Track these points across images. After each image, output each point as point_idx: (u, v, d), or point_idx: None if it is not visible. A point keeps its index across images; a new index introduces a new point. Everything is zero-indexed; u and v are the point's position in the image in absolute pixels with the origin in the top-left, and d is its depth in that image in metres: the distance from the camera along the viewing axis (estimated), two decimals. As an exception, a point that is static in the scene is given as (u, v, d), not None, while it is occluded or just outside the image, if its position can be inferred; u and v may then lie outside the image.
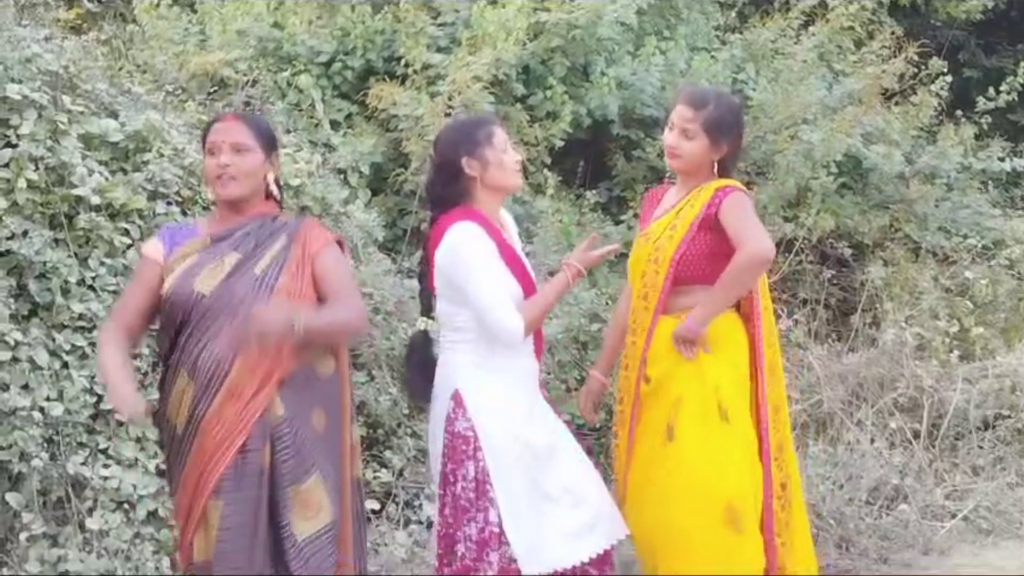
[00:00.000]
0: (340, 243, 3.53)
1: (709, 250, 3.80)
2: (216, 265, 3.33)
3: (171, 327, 3.34)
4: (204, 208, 5.18)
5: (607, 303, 6.23)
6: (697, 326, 3.74)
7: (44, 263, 4.57)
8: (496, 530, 3.58)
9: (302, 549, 3.29)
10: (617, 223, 6.96)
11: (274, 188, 3.50)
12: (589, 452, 3.99)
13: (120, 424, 4.56)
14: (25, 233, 4.57)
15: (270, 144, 3.48)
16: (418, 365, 3.84)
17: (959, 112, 9.10)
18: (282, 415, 3.29)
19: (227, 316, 3.25)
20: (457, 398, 3.66)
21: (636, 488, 3.90)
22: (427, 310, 3.86)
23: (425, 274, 3.80)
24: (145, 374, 4.67)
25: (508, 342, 3.63)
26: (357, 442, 3.62)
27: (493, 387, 3.65)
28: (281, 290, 3.31)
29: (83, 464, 4.40)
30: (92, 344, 4.57)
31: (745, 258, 3.71)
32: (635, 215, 6.79)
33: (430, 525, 4.65)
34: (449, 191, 3.74)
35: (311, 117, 6.67)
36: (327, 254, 3.42)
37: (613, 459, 4.17)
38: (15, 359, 4.37)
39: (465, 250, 3.63)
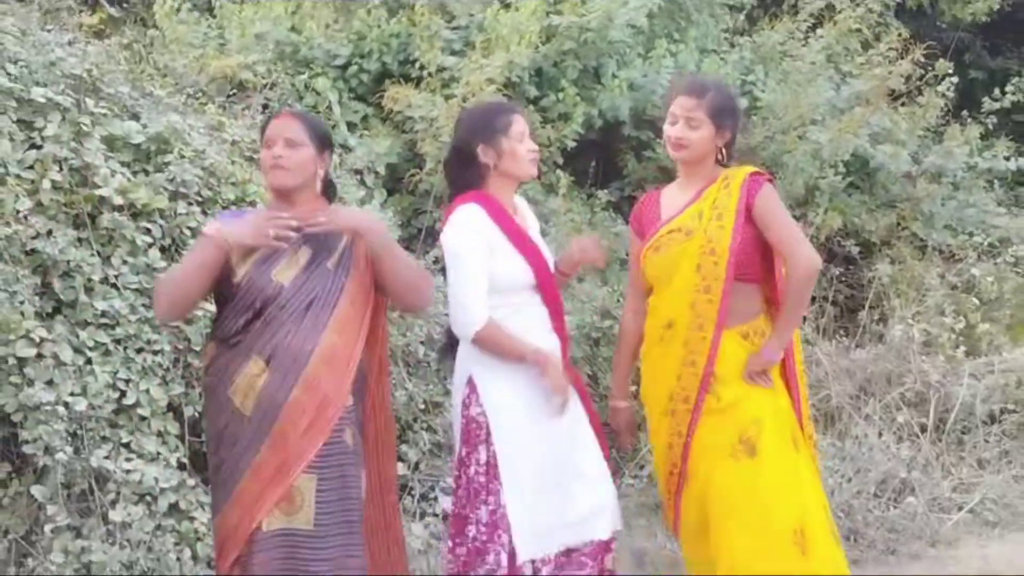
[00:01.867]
0: None
1: (754, 238, 3.76)
2: (291, 258, 3.45)
3: (245, 312, 3.41)
4: (224, 208, 5.20)
5: (618, 300, 6.23)
6: (776, 356, 3.74)
7: (68, 262, 4.58)
8: (505, 512, 3.62)
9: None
10: (627, 221, 6.93)
11: (318, 184, 3.60)
12: (603, 446, 3.97)
13: (143, 419, 4.58)
14: (49, 232, 4.58)
15: (323, 142, 3.60)
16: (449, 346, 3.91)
17: (965, 113, 9.08)
18: (350, 404, 3.46)
19: (303, 308, 3.40)
20: (471, 384, 3.72)
21: (697, 505, 3.81)
22: None
23: None
24: (167, 369, 4.69)
25: (460, 333, 3.71)
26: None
27: (505, 372, 3.68)
28: (350, 286, 3.48)
29: (106, 458, 4.40)
30: (115, 340, 4.60)
31: (801, 277, 3.70)
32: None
33: (446, 517, 4.65)
34: (464, 175, 3.79)
35: (328, 119, 6.68)
36: None
37: (649, 455, 4.12)
38: (40, 355, 4.37)
39: (451, 237, 3.69)
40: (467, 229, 3.67)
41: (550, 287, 3.80)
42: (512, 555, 3.62)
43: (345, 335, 3.45)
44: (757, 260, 3.80)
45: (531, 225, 3.91)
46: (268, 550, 3.32)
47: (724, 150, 3.87)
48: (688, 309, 3.79)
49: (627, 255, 6.57)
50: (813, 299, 7.34)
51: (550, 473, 3.69)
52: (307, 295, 3.41)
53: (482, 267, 3.64)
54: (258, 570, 3.32)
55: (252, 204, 5.21)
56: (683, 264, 3.81)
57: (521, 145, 3.76)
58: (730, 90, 4.04)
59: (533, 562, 3.65)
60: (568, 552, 3.72)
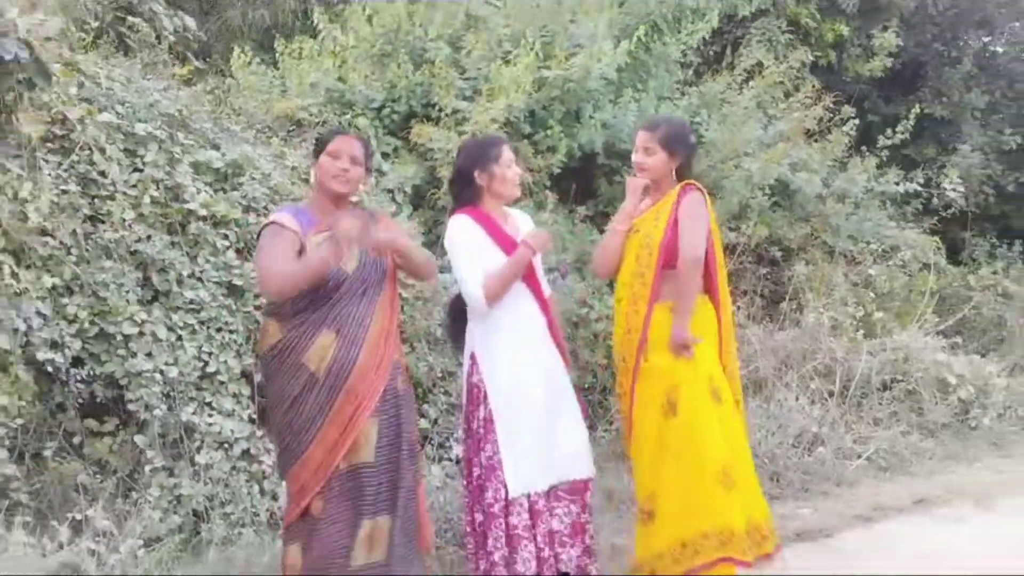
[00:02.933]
0: None
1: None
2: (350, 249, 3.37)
3: (311, 293, 3.30)
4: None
5: (593, 292, 6.24)
6: (683, 332, 3.71)
7: (163, 260, 4.60)
8: (499, 458, 3.64)
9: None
10: (601, 231, 6.93)
11: (358, 194, 3.56)
12: (581, 407, 3.97)
13: (221, 383, 4.59)
14: (149, 237, 4.60)
15: (369, 164, 3.55)
16: (456, 323, 3.88)
17: (864, 147, 9.08)
18: (396, 360, 3.48)
19: (361, 291, 3.38)
20: (473, 358, 3.76)
21: (639, 448, 3.83)
22: None
23: None
24: (240, 344, 4.69)
25: (474, 306, 3.70)
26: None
27: (499, 348, 3.69)
28: (390, 271, 3.50)
29: (193, 414, 4.43)
30: (200, 322, 4.62)
31: (682, 265, 3.72)
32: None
33: (458, 461, 4.68)
34: (463, 194, 3.80)
35: (367, 150, 6.66)
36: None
37: (618, 414, 4.10)
38: (141, 333, 4.40)
39: (451, 237, 3.72)
40: (457, 233, 3.71)
41: (532, 277, 3.80)
42: (508, 491, 3.64)
43: (388, 310, 3.46)
44: None
45: (523, 230, 3.88)
46: (343, 482, 3.31)
47: (678, 171, 3.88)
48: (628, 290, 3.87)
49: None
50: (744, 292, 7.37)
51: (538, 425, 3.69)
52: (364, 281, 3.40)
53: (472, 256, 3.66)
54: (335, 500, 3.31)
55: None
56: (628, 255, 3.89)
57: (509, 171, 3.77)
58: (680, 123, 4.04)
59: (528, 496, 3.66)
60: (555, 490, 3.74)
